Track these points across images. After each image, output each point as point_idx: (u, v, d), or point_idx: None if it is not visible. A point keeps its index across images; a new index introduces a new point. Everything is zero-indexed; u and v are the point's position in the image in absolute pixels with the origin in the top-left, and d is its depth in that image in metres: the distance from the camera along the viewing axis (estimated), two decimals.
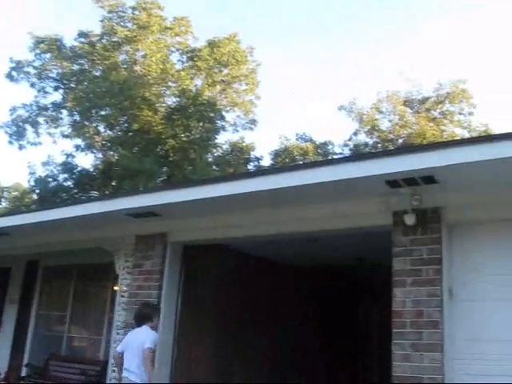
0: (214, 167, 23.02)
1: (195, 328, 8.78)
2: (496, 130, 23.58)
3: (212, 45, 23.94)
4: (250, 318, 9.87)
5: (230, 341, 9.49)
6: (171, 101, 23.77)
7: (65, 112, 23.27)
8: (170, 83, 23.59)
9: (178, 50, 24.56)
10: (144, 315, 6.16)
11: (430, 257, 5.33)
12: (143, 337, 5.88)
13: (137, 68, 22.75)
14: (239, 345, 9.66)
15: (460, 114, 25.84)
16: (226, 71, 24.59)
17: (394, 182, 5.22)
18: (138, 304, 7.17)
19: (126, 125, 22.74)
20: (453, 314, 5.33)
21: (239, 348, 9.67)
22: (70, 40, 23.32)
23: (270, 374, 10.15)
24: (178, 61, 24.57)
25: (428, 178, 5.09)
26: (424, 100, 25.95)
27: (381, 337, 12.74)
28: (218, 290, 9.30)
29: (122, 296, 7.63)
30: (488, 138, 5.05)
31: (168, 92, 23.77)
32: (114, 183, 21.66)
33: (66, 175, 22.89)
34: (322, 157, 25.20)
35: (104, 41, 23.30)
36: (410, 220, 5.40)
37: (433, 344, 5.16)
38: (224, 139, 25.23)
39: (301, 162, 23.04)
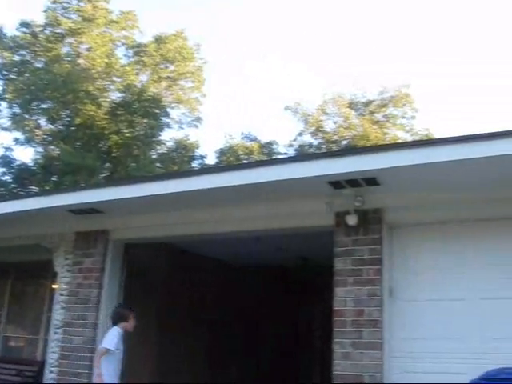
0: (158, 164, 22.79)
1: (138, 327, 8.66)
2: (437, 134, 24.27)
3: (159, 40, 23.69)
4: (193, 316, 9.83)
5: (174, 339, 9.42)
6: (115, 96, 23.38)
7: (4, 104, 22.55)
8: (114, 78, 23.20)
9: (123, 44, 24.19)
10: (117, 316, 6.19)
11: (371, 257, 5.42)
12: (105, 337, 5.99)
13: (80, 61, 22.27)
14: (183, 343, 9.61)
15: (403, 117, 26.49)
16: (172, 68, 24.38)
17: (337, 183, 5.29)
18: (77, 302, 7.04)
19: (68, 119, 22.22)
20: (392, 313, 5.44)
21: (183, 346, 9.62)
22: (11, 29, 22.66)
23: (213, 372, 10.14)
24: (124, 55, 24.23)
25: (370, 180, 5.18)
26: (368, 103, 26.45)
27: (323, 336, 12.89)
28: (160, 288, 9.22)
29: (61, 294, 7.45)
30: (428, 142, 5.19)
31: (112, 87, 23.38)
32: (54, 178, 21.11)
33: (4, 169, 22.19)
34: (267, 156, 25.31)
35: (47, 32, 22.70)
36: (352, 221, 5.48)
37: (373, 342, 5.25)
38: (168, 136, 25.06)
39: (245, 161, 23.08)
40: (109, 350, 5.88)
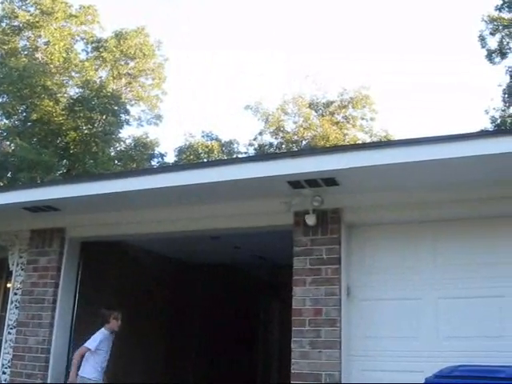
0: (117, 162, 22.53)
1: (94, 328, 8.54)
2: (396, 135, 24.66)
3: (119, 36, 23.40)
4: (149, 315, 9.74)
5: (129, 338, 9.31)
6: (74, 91, 23.02)
7: None
8: (73, 73, 22.85)
9: (82, 39, 23.84)
10: (100, 318, 6.36)
11: (330, 257, 5.46)
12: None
13: (38, 55, 21.85)
14: (138, 342, 9.51)
15: (362, 118, 26.81)
16: (132, 64, 24.12)
17: (296, 183, 5.31)
18: (32, 302, 6.90)
19: (24, 114, 21.76)
20: (350, 312, 5.49)
21: (139, 345, 9.52)
22: None
23: (169, 372, 10.08)
24: (83, 50, 23.88)
25: (329, 180, 5.21)
26: (328, 104, 26.68)
27: (281, 335, 12.96)
28: (117, 287, 9.11)
29: (16, 294, 7.27)
30: (386, 144, 5.26)
31: (71, 82, 23.02)
32: (9, 175, 20.65)
33: None
34: (227, 155, 25.31)
35: (3, 24, 22.17)
36: (310, 220, 5.51)
37: (331, 341, 5.29)
38: (128, 133, 24.85)
39: (205, 160, 23.01)
40: (88, 349, 6.08)
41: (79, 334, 7.40)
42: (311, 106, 26.62)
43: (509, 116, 19.85)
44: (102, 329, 6.27)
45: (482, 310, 5.08)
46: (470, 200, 5.16)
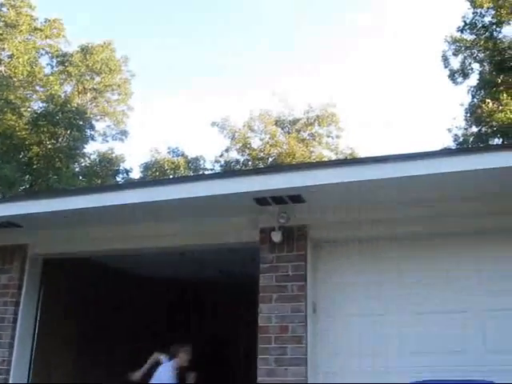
0: (81, 178, 22.25)
1: (56, 348, 8.38)
2: (361, 153, 24.97)
3: (85, 50, 23.25)
4: (115, 332, 9.59)
5: (93, 357, 9.14)
6: (38, 106, 22.73)
7: None
8: (37, 87, 22.56)
9: (48, 53, 23.60)
10: (170, 353, 6.67)
11: (295, 273, 5.46)
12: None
13: (1, 68, 21.52)
14: (102, 359, 9.34)
15: (328, 136, 27.09)
16: (98, 79, 23.95)
17: (262, 200, 5.31)
18: None
19: None
20: (316, 329, 5.49)
21: (102, 364, 9.35)
22: None
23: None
24: (48, 64, 23.63)
25: (295, 197, 5.23)
26: (295, 121, 26.89)
27: (247, 352, 12.86)
28: (80, 304, 8.95)
29: None
30: (352, 161, 5.30)
31: (35, 96, 22.72)
32: None
33: None
34: (193, 172, 25.23)
35: None
36: (276, 237, 5.51)
37: (297, 358, 5.26)
38: (92, 149, 24.54)
39: (171, 176, 22.90)
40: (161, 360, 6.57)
41: (41, 354, 7.24)
42: (277, 123, 26.79)
43: (471, 134, 20.28)
44: (169, 363, 6.52)
45: (445, 325, 5.14)
46: (435, 216, 5.23)
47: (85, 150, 23.46)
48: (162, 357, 6.67)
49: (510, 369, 4.69)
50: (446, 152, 4.71)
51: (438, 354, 5.07)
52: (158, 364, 6.68)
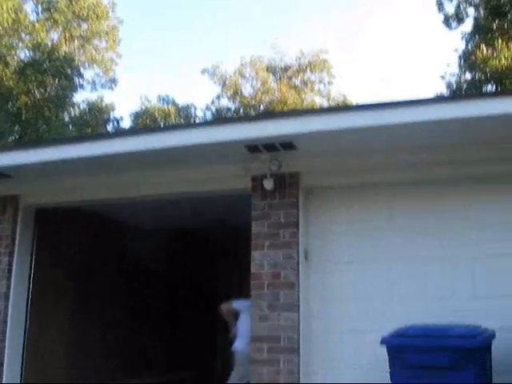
0: (71, 127, 22.01)
1: (51, 295, 8.46)
2: (353, 100, 24.77)
3: None
4: (109, 281, 9.68)
5: (89, 306, 9.25)
6: (24, 54, 22.26)
7: None
8: (23, 35, 22.04)
9: None
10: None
11: (287, 220, 5.49)
12: None
13: None
14: (98, 308, 9.47)
15: (320, 82, 26.79)
16: (85, 26, 23.42)
17: (254, 148, 5.29)
18: None
19: None
20: (308, 275, 5.56)
21: (98, 311, 9.47)
22: None
23: (128, 338, 10.08)
24: (33, 11, 23.00)
25: (287, 144, 5.21)
26: (286, 68, 26.55)
27: (240, 298, 13.04)
28: (75, 255, 9.00)
29: None
30: (344, 108, 5.26)
31: (21, 45, 22.21)
32: None
33: None
34: (184, 120, 25.03)
35: None
36: (268, 185, 5.51)
37: (289, 304, 5.35)
38: (82, 98, 24.24)
39: (162, 125, 22.72)
40: (237, 308, 6.69)
41: (36, 303, 7.33)
42: (269, 69, 26.45)
43: (464, 81, 20.10)
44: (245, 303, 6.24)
45: (435, 271, 5.21)
46: (427, 164, 5.23)
47: (74, 99, 23.16)
48: (237, 304, 6.82)
49: (497, 313, 4.78)
50: (437, 99, 4.67)
51: (427, 300, 5.15)
52: (237, 314, 6.80)
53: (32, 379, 7.59)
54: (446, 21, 20.49)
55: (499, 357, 4.54)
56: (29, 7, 22.85)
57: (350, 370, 5.28)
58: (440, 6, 20.49)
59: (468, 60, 19.21)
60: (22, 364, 6.72)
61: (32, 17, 22.72)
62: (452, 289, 5.13)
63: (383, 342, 4.33)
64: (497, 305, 4.85)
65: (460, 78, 20.54)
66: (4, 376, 6.46)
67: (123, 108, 49.21)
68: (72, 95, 22.68)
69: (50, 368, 8.37)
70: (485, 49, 17.89)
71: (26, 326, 6.84)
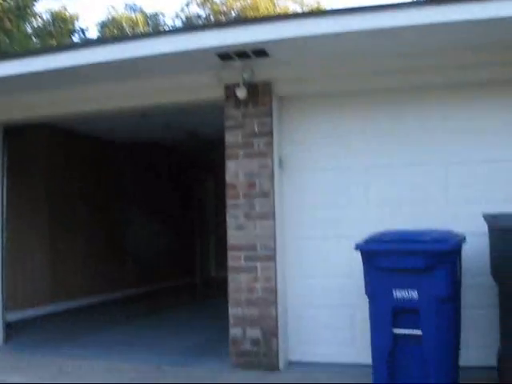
0: (34, 39, 21.17)
1: (26, 215, 8.46)
2: (327, 6, 24.12)
3: None
4: (82, 196, 9.67)
5: (65, 222, 9.29)
6: None
7: None
8: None
9: None
10: None
11: (261, 130, 5.44)
12: None
13: None
14: (76, 224, 9.51)
15: None
16: None
17: (225, 55, 5.14)
18: None
19: None
20: (283, 184, 5.58)
21: (76, 227, 9.53)
22: None
23: (108, 252, 10.20)
24: None
25: (260, 52, 5.06)
26: None
27: (217, 210, 13.22)
28: (46, 171, 8.92)
29: None
30: (318, 13, 5.10)
31: None
32: None
33: None
34: (153, 28, 24.23)
35: None
36: (241, 93, 5.41)
37: (265, 213, 5.40)
38: (44, 8, 23.16)
39: (130, 34, 21.96)
40: None
41: (9, 222, 7.29)
42: None
43: None
44: None
45: (409, 179, 5.26)
46: (404, 69, 5.15)
47: (36, 9, 22.12)
48: None
49: (468, 218, 4.87)
50: (416, 3, 4.53)
51: (401, 206, 5.22)
52: None
53: (11, 293, 7.70)
54: None
55: (469, 259, 4.70)
56: None
57: (327, 277, 5.42)
58: None
59: None
60: (1, 278, 6.75)
61: None
62: (426, 195, 5.20)
63: (357, 247, 4.41)
64: (468, 210, 4.95)
65: None
66: None
67: (89, 18, 47.21)
68: (33, 5, 21.65)
69: (31, 279, 8.51)
70: None
71: (2, 239, 6.81)
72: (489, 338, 4.74)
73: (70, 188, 9.38)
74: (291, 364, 5.46)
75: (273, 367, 5.28)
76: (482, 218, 4.47)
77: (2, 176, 6.88)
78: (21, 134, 7.40)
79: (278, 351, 5.33)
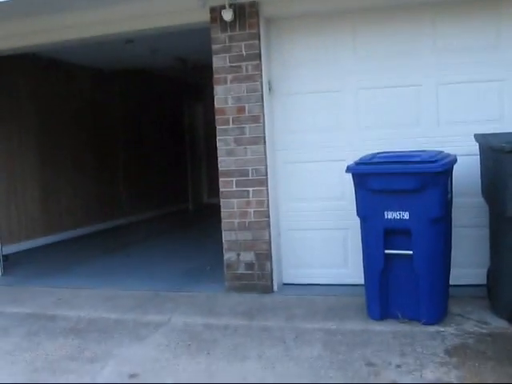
0: None
1: (14, 146, 8.38)
2: None
3: None
4: (71, 126, 9.56)
5: (56, 155, 9.22)
6: None
7: None
8: None
9: None
10: None
11: (249, 53, 5.30)
12: None
13: None
14: (67, 157, 9.46)
15: None
16: None
17: None
18: None
19: None
20: (273, 108, 5.51)
21: (68, 158, 9.48)
22: None
23: (100, 184, 10.19)
24: None
25: None
26: None
27: (207, 135, 13.16)
28: (33, 101, 8.77)
29: None
30: None
31: None
32: None
33: None
34: None
35: None
36: (227, 16, 5.24)
37: (255, 137, 5.35)
38: None
39: None
40: None
41: (3, 155, 7.24)
42: None
43: None
44: None
45: (400, 100, 5.17)
46: None
47: None
48: None
49: (459, 139, 4.85)
50: None
51: (393, 127, 5.16)
52: None
53: (6, 227, 7.74)
54: None
55: (459, 179, 4.70)
56: None
57: (319, 200, 5.44)
58: None
59: None
60: None
61: None
62: (417, 117, 5.14)
63: (348, 169, 4.40)
64: (459, 131, 4.91)
65: None
66: None
67: None
68: None
69: (24, 214, 8.54)
70: None
71: None
72: (479, 257, 4.83)
73: (58, 119, 9.25)
74: (285, 286, 5.57)
75: (267, 289, 5.39)
76: (473, 138, 4.46)
77: None
78: (5, 65, 7.21)
79: (271, 274, 5.42)
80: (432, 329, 4.10)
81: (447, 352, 3.68)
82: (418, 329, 4.12)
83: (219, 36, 5.38)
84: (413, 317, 4.25)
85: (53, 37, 6.16)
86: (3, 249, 6.93)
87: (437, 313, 4.23)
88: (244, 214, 5.42)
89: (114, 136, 10.67)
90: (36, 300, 5.55)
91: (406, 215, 4.17)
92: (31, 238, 8.52)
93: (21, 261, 7.53)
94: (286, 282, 5.62)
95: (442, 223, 4.23)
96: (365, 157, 4.50)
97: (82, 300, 5.48)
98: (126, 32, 5.99)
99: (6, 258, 7.02)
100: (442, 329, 4.10)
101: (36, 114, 8.77)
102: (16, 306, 5.35)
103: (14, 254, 7.77)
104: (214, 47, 5.41)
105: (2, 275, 6.74)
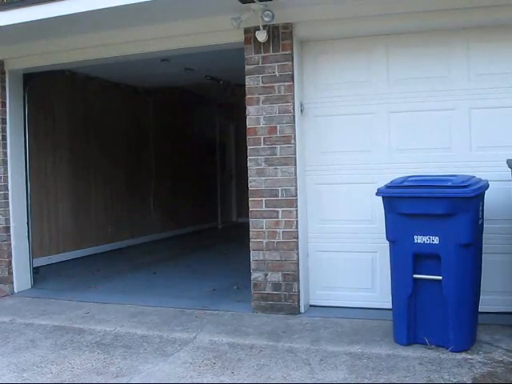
0: None
1: (49, 161, 8.53)
2: None
3: None
4: (105, 143, 9.71)
5: (89, 168, 9.37)
6: None
7: None
8: None
9: None
10: None
11: (282, 74, 5.34)
12: None
13: None
14: (99, 172, 9.59)
15: None
16: None
17: None
18: None
19: None
20: (304, 129, 5.52)
21: (100, 174, 9.61)
22: None
23: (132, 200, 10.30)
24: None
25: None
26: None
27: (237, 154, 13.24)
28: (68, 119, 8.94)
29: None
30: None
31: None
32: None
33: None
34: None
35: None
36: (261, 37, 5.29)
37: (286, 158, 5.36)
38: None
39: None
40: None
41: (34, 170, 7.36)
42: None
43: None
44: None
45: (432, 123, 5.15)
46: (424, 12, 4.96)
47: None
48: None
49: (491, 164, 4.82)
50: None
51: (425, 151, 5.14)
52: None
53: (38, 240, 7.86)
54: None
55: (491, 205, 4.64)
56: None
57: (348, 222, 5.42)
58: None
59: None
60: (28, 226, 6.88)
61: None
62: (449, 140, 5.10)
63: (379, 192, 4.38)
64: (491, 156, 4.86)
65: None
66: (12, 240, 6.63)
67: None
68: None
69: (56, 228, 8.66)
70: None
71: (27, 192, 6.89)
72: (509, 284, 4.74)
73: (91, 135, 9.41)
74: (312, 308, 5.54)
75: (294, 311, 5.36)
76: (506, 164, 4.40)
77: (25, 126, 6.90)
78: (41, 82, 7.37)
79: (299, 295, 5.39)
80: (459, 356, 4.02)
81: (475, 380, 3.59)
82: (445, 356, 4.05)
83: (253, 56, 5.44)
84: (440, 343, 4.18)
85: (87, 55, 6.30)
86: (34, 261, 7.04)
87: (465, 340, 4.15)
88: (273, 234, 5.42)
89: (147, 152, 10.81)
90: (64, 313, 5.62)
91: (436, 240, 4.12)
92: (62, 252, 8.64)
93: (51, 274, 7.64)
94: (312, 303, 5.58)
95: (473, 249, 4.17)
96: (396, 180, 4.47)
97: (108, 315, 5.52)
98: (163, 50, 6.10)
99: (36, 270, 7.13)
100: (470, 356, 4.02)
101: (70, 130, 8.94)
102: (44, 319, 5.42)
103: (44, 266, 7.89)
104: (248, 68, 5.47)
105: (32, 287, 6.84)
